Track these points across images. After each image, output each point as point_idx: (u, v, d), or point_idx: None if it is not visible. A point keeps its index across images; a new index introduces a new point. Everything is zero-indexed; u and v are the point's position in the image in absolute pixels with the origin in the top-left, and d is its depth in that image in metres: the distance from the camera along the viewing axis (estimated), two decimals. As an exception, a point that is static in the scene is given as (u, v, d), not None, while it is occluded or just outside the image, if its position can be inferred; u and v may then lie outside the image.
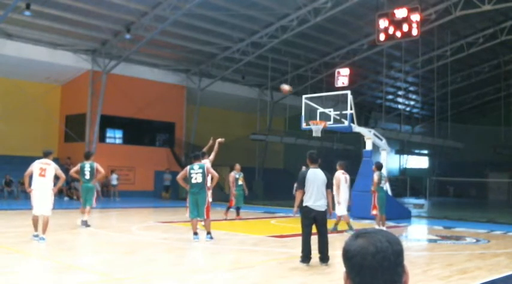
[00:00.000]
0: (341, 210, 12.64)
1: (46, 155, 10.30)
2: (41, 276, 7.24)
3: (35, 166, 10.08)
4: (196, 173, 10.51)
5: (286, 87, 14.03)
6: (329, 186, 8.21)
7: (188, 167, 10.69)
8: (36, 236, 10.04)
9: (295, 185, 8.22)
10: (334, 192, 11.99)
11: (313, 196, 8.01)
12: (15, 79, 25.32)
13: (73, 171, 13.23)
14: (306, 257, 7.94)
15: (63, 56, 25.10)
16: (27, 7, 19.41)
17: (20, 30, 22.51)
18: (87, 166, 12.88)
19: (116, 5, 21.15)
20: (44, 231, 9.94)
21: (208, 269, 8.11)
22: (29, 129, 26.08)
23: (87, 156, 13.22)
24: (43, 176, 10.02)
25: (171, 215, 17.07)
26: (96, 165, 12.88)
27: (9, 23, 21.31)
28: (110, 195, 25.59)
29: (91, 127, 26.23)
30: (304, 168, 8.29)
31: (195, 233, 10.52)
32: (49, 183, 10.15)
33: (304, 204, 8.07)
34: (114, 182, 25.96)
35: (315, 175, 8.11)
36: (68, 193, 24.64)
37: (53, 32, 23.14)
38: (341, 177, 12.70)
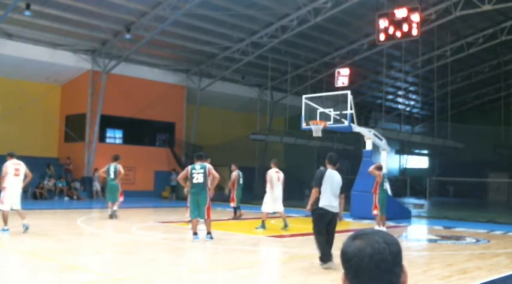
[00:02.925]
0: (278, 206, 13.48)
1: (12, 156, 11.40)
2: (41, 276, 7.24)
3: (10, 167, 11.15)
4: (198, 173, 10.48)
5: None
6: (343, 190, 8.21)
7: (190, 167, 10.68)
8: (6, 230, 10.81)
9: (312, 183, 8.20)
10: (268, 189, 13.45)
11: (330, 196, 7.98)
12: (15, 79, 25.28)
13: (101, 171, 15.89)
14: (328, 255, 7.76)
15: (63, 56, 25.07)
16: (27, 7, 19.41)
17: (20, 30, 22.49)
18: (112, 167, 15.18)
19: (116, 5, 21.15)
20: (23, 218, 11.05)
21: (208, 269, 8.12)
22: (29, 129, 26.03)
23: (115, 159, 15.38)
24: (17, 175, 11.22)
25: (171, 215, 17.07)
26: (119, 167, 15.17)
27: (9, 23, 21.30)
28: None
29: (91, 127, 26.22)
30: (322, 168, 8.27)
31: (195, 234, 10.51)
32: (21, 180, 11.37)
33: (320, 205, 7.94)
34: None
35: (332, 177, 8.10)
36: (68, 193, 24.67)
37: (53, 32, 23.12)
38: (273, 175, 13.78)
